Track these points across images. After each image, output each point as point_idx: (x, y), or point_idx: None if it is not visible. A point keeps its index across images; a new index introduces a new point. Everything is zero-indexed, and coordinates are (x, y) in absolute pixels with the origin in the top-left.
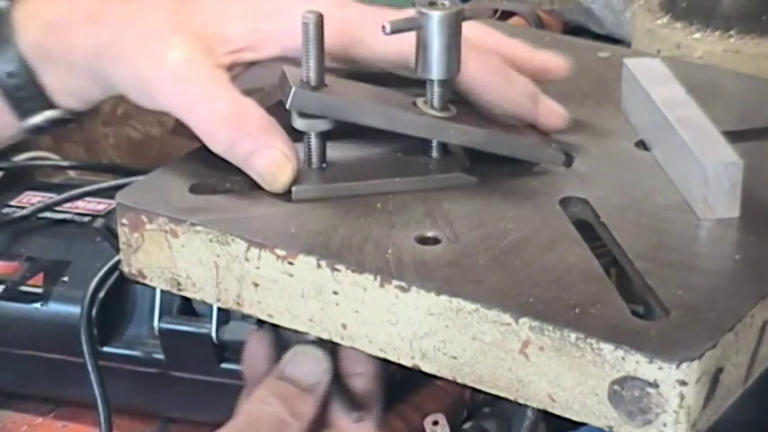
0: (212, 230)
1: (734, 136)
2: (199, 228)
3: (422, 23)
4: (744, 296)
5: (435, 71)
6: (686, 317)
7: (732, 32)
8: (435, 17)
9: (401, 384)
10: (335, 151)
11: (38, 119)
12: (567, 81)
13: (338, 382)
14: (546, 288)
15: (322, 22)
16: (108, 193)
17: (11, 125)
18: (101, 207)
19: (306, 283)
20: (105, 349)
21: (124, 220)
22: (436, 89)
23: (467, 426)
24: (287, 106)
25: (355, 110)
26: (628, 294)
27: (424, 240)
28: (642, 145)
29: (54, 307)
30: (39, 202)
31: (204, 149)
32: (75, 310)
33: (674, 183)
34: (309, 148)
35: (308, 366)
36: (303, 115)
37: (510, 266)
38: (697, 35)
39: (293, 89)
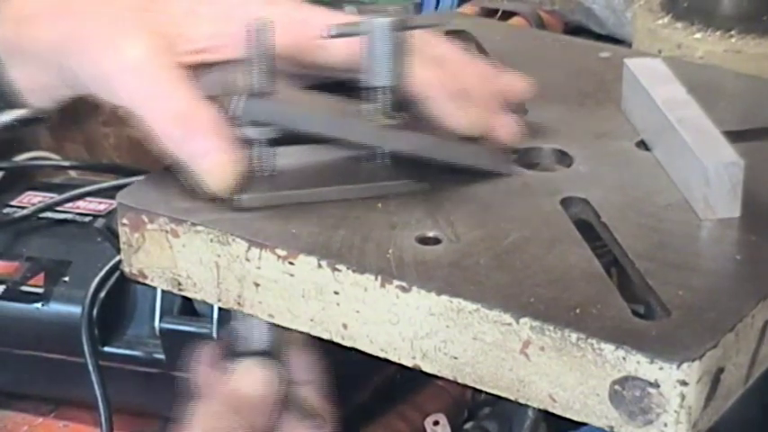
0: (213, 230)
1: (734, 136)
2: (200, 228)
3: (367, 29)
4: (744, 296)
5: (380, 78)
6: (687, 317)
7: (733, 32)
8: (380, 24)
9: (402, 384)
10: (284, 159)
11: (7, 117)
12: (567, 81)
13: (289, 392)
14: (547, 288)
15: (269, 29)
16: (109, 193)
17: None
18: (101, 207)
19: (307, 283)
20: (106, 349)
21: (125, 220)
22: (381, 96)
23: (467, 426)
24: (235, 114)
25: (302, 118)
26: (628, 294)
27: (424, 240)
28: (643, 145)
29: (55, 307)
30: (39, 202)
31: None
32: (75, 310)
33: (675, 183)
34: (257, 156)
35: (258, 377)
36: (250, 123)
37: (511, 266)
38: (698, 35)
39: (240, 97)
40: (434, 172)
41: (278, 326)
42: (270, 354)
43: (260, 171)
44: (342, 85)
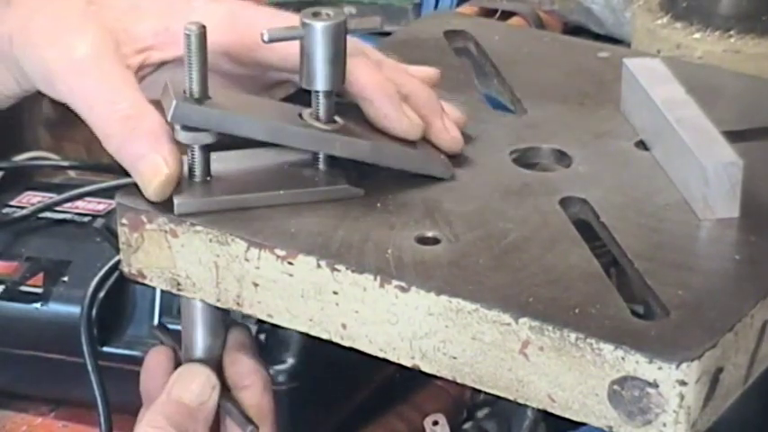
0: (212, 230)
1: (734, 136)
2: (198, 228)
3: (304, 33)
4: (744, 296)
5: (318, 82)
6: (686, 317)
7: (732, 32)
8: (317, 27)
9: (401, 384)
10: (222, 163)
11: None
12: (566, 81)
13: (229, 397)
14: (546, 288)
15: (204, 33)
16: (108, 193)
17: None
18: (101, 207)
19: (306, 283)
20: (105, 349)
21: (124, 220)
22: (321, 100)
23: (467, 426)
24: (168, 118)
25: (238, 122)
26: (628, 294)
27: (423, 240)
28: (642, 145)
29: (54, 307)
30: (39, 202)
31: None
32: (75, 310)
33: (674, 183)
34: (193, 161)
35: (195, 385)
36: (186, 128)
37: (510, 266)
38: (697, 35)
39: (174, 101)
40: (375, 176)
41: (215, 331)
42: (208, 360)
43: (197, 176)
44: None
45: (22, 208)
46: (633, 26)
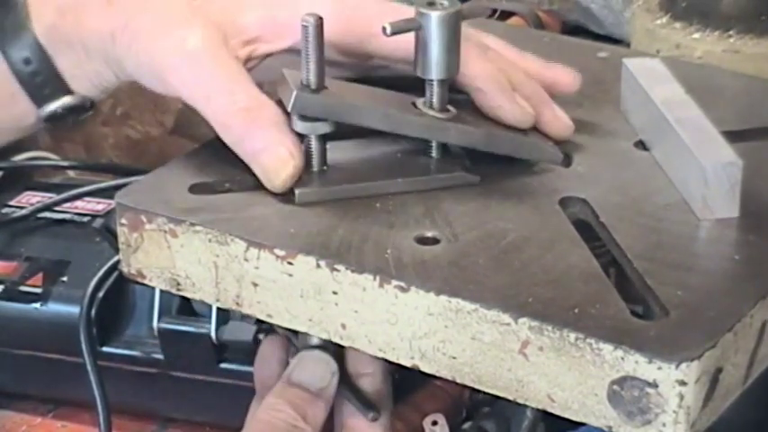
0: (211, 230)
1: (733, 136)
2: (198, 228)
3: (421, 24)
4: (743, 296)
5: (434, 71)
6: (686, 317)
7: (731, 32)
8: (434, 17)
9: (400, 384)
10: (336, 153)
11: (55, 105)
12: None
13: (347, 384)
14: (545, 288)
15: (322, 24)
16: (107, 193)
17: (29, 113)
18: (100, 207)
19: (305, 283)
20: (105, 349)
21: (123, 220)
22: (435, 89)
23: (466, 426)
24: (288, 109)
25: (355, 112)
26: (627, 294)
27: (423, 240)
28: (641, 145)
29: (53, 307)
30: (38, 201)
31: (204, 150)
32: (74, 309)
33: (674, 183)
34: (310, 151)
35: (315, 371)
36: (303, 118)
37: (509, 266)
38: (696, 35)
39: (294, 92)
40: (486, 164)
41: None
42: (327, 347)
43: (314, 166)
44: (397, 81)
45: (22, 208)
46: (632, 26)
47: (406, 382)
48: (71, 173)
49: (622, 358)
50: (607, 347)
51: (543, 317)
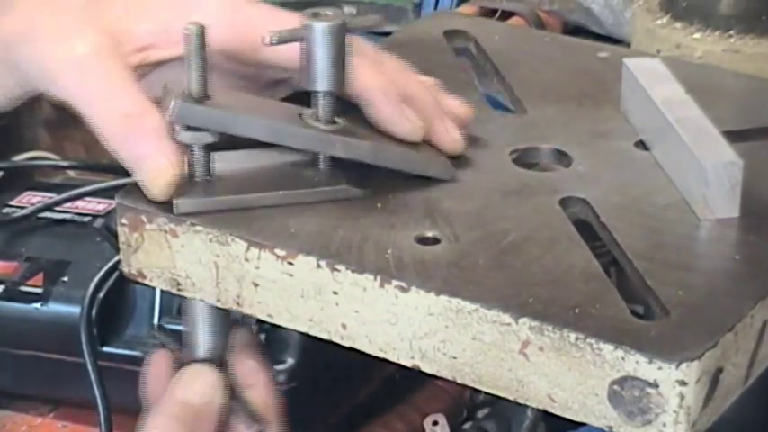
0: (212, 230)
1: (734, 136)
2: (198, 228)
3: (305, 35)
4: (743, 296)
5: (320, 83)
6: (686, 317)
7: (732, 32)
8: (318, 28)
9: (401, 384)
10: (223, 163)
11: None
12: (567, 81)
13: (235, 396)
14: (546, 288)
15: (203, 32)
16: (108, 193)
17: None
18: (101, 207)
19: (305, 283)
20: (105, 349)
21: (124, 220)
22: (321, 101)
23: (466, 426)
24: (168, 119)
25: (239, 122)
26: (627, 294)
27: (423, 240)
28: (642, 145)
29: (54, 307)
30: (38, 202)
31: None
32: (74, 310)
33: (674, 183)
34: (193, 161)
35: (200, 385)
36: (186, 128)
37: (510, 266)
38: (697, 35)
39: (174, 101)
40: (376, 177)
41: (218, 331)
42: (212, 359)
43: (199, 176)
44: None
45: (22, 208)
46: (633, 26)
47: (406, 383)
48: (71, 173)
49: (623, 358)
50: (607, 347)
51: (544, 317)
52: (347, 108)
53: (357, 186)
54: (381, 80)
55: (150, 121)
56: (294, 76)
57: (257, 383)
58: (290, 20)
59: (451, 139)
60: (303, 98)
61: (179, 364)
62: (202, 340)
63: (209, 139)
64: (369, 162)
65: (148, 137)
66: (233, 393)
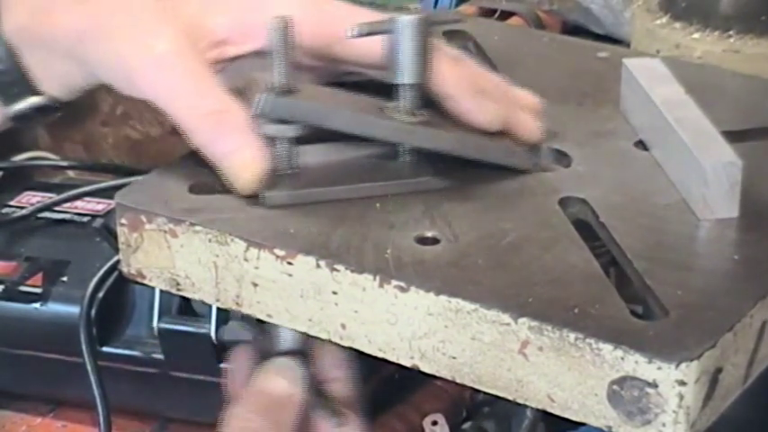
0: (211, 230)
1: (733, 136)
2: (198, 228)
3: (392, 27)
4: (743, 296)
5: (404, 75)
6: (685, 317)
7: (731, 32)
8: (404, 22)
9: (400, 384)
10: (308, 156)
11: (22, 105)
12: (566, 81)
13: (317, 389)
14: (545, 288)
15: (290, 26)
16: (107, 193)
17: None
18: (100, 207)
19: (305, 283)
20: (104, 349)
21: (123, 220)
22: (405, 93)
23: (466, 426)
24: (255, 112)
25: (324, 115)
26: (627, 294)
27: (423, 240)
28: (641, 145)
29: (53, 307)
30: (38, 202)
31: None
32: (74, 310)
33: (674, 183)
34: (280, 154)
35: (283, 377)
36: (273, 121)
37: (509, 266)
38: (696, 35)
39: (262, 95)
40: (456, 169)
41: None
42: (296, 352)
43: (284, 169)
44: (367, 85)
45: (22, 208)
46: (632, 26)
47: (406, 383)
48: (71, 173)
49: (622, 358)
50: (607, 347)
51: (543, 317)
52: (427, 102)
53: (442, 177)
54: (460, 74)
55: (235, 116)
56: (367, 72)
57: (340, 377)
58: (367, 15)
59: (530, 128)
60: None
61: (262, 357)
62: (286, 333)
63: (295, 131)
64: (452, 153)
65: (234, 132)
66: (315, 387)
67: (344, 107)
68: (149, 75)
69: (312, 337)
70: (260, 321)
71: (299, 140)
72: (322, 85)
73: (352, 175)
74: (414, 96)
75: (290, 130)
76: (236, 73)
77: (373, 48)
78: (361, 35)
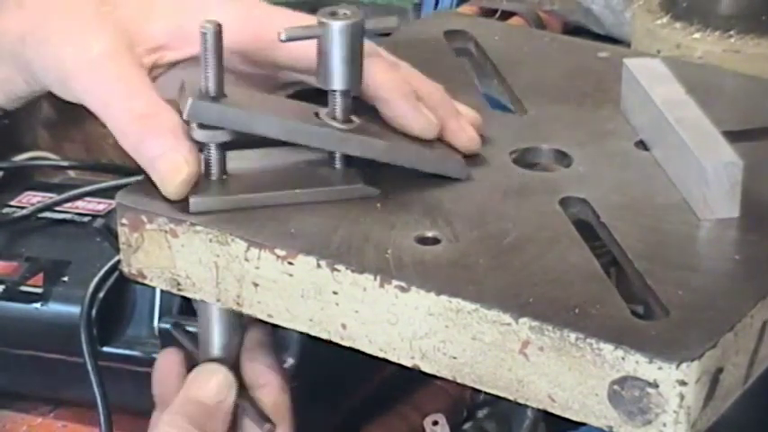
0: (212, 230)
1: (734, 136)
2: (198, 228)
3: (321, 33)
4: (743, 296)
5: (336, 82)
6: (686, 317)
7: (732, 32)
8: (336, 27)
9: (401, 384)
10: (237, 162)
11: None
12: (567, 81)
13: (246, 396)
14: (546, 288)
15: (221, 32)
16: (108, 193)
17: None
18: (101, 207)
19: (305, 283)
20: (105, 349)
21: (124, 220)
22: (338, 100)
23: (467, 426)
24: (184, 117)
25: (255, 121)
26: (627, 294)
27: (423, 240)
28: (642, 145)
29: (54, 307)
30: (38, 202)
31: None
32: (74, 310)
33: (674, 183)
34: (209, 159)
35: (212, 384)
36: (202, 126)
37: (510, 266)
38: (697, 35)
39: (190, 100)
40: (397, 176)
41: (231, 330)
42: (226, 359)
43: (213, 174)
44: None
45: (22, 208)
46: (633, 26)
47: (406, 383)
48: (71, 173)
49: (623, 358)
50: (607, 347)
51: (544, 317)
52: (362, 108)
53: (372, 185)
54: (396, 78)
55: (165, 120)
56: (304, 78)
57: (269, 383)
58: (305, 21)
59: (467, 137)
60: (316, 98)
61: (191, 364)
62: (216, 340)
63: (224, 137)
64: (384, 161)
65: (163, 136)
66: (245, 393)
67: (275, 113)
68: (82, 78)
69: (239, 342)
70: (187, 332)
71: (232, 146)
72: (257, 92)
73: (283, 182)
74: (346, 103)
75: (219, 136)
76: (175, 79)
77: (308, 53)
78: (290, 39)
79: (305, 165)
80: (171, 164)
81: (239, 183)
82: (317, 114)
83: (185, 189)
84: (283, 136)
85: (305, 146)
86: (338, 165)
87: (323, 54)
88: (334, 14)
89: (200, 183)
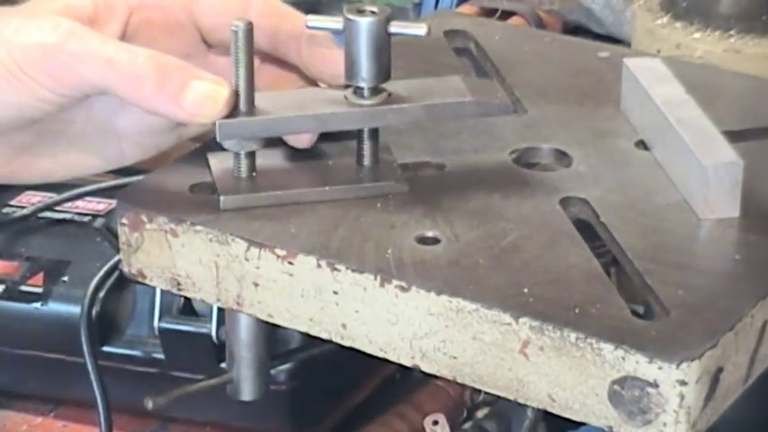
0: (212, 230)
1: (734, 136)
2: (199, 227)
3: (342, 28)
4: (744, 296)
5: (361, 78)
6: (686, 317)
7: (732, 32)
8: (362, 24)
9: (401, 384)
10: (266, 159)
11: None
12: (567, 81)
13: None
14: (546, 288)
15: (251, 29)
16: (108, 192)
17: None
18: (101, 207)
19: (306, 282)
20: (105, 349)
21: (124, 220)
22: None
23: (467, 425)
24: (217, 139)
25: (285, 124)
26: (628, 294)
27: (424, 240)
28: (642, 145)
29: (54, 307)
30: (39, 201)
31: (204, 150)
32: (75, 309)
33: (674, 183)
34: (238, 160)
35: None
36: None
37: (510, 266)
38: (697, 35)
39: (217, 122)
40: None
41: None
42: None
43: (241, 172)
44: None
45: (22, 208)
46: (633, 26)
47: (406, 382)
48: None
49: (623, 358)
50: (608, 347)
51: (544, 317)
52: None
53: (401, 182)
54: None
55: (173, 59)
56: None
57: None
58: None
59: (330, 61)
60: None
61: None
62: None
63: (254, 146)
64: (425, 122)
65: (182, 69)
66: None
67: (304, 109)
68: (67, 54)
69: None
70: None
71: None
72: (283, 90)
73: (311, 179)
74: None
75: (249, 145)
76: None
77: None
78: (314, 28)
79: (334, 161)
80: (200, 90)
81: (268, 180)
82: (345, 97)
83: (225, 110)
84: (318, 128)
85: (334, 141)
86: (367, 161)
87: (347, 50)
88: (361, 12)
89: (229, 180)
